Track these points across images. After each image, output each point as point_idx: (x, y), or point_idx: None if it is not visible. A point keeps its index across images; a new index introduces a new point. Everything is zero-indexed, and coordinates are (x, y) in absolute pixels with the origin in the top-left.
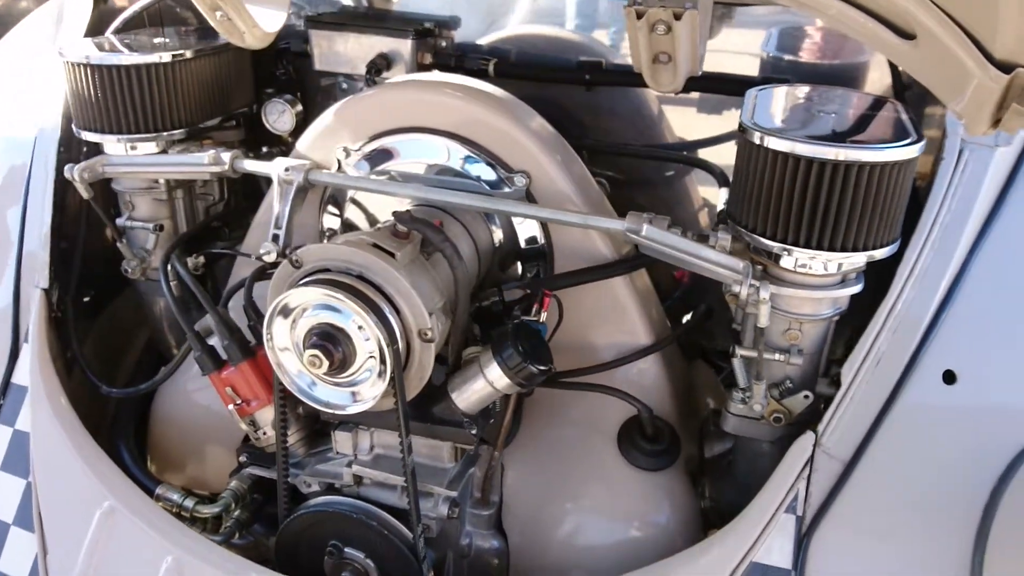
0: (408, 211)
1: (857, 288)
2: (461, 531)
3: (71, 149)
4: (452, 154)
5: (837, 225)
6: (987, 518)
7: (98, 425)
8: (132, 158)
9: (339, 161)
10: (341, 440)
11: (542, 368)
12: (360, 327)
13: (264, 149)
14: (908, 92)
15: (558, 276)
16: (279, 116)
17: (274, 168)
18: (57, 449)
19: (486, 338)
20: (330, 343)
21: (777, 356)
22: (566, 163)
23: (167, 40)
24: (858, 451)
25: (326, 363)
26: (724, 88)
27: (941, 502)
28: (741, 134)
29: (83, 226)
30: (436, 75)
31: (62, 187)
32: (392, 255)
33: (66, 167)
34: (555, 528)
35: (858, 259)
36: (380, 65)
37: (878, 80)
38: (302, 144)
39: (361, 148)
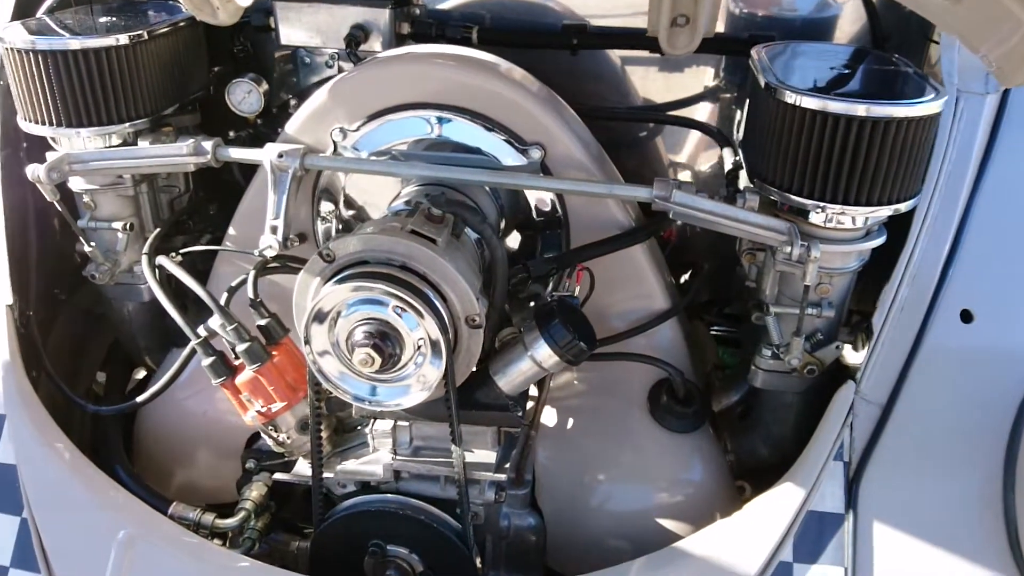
0: (442, 193)
1: (881, 240)
2: (499, 513)
3: (16, 145)
4: (460, 129)
5: (871, 180)
6: (1013, 443)
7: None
8: (104, 153)
9: (335, 143)
10: (379, 435)
11: (590, 343)
12: (408, 320)
13: (232, 134)
14: (887, 43)
15: (586, 248)
16: (245, 97)
17: (266, 154)
18: (55, 480)
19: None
20: (380, 339)
21: (810, 310)
22: (578, 132)
23: (113, 19)
24: (892, 395)
25: (378, 361)
26: (722, 48)
27: (971, 433)
28: (768, 93)
29: (34, 232)
30: (433, 47)
31: (11, 189)
32: (433, 241)
33: (28, 168)
34: (590, 499)
35: (885, 212)
36: (358, 37)
37: (849, 31)
38: (292, 127)
39: (359, 128)
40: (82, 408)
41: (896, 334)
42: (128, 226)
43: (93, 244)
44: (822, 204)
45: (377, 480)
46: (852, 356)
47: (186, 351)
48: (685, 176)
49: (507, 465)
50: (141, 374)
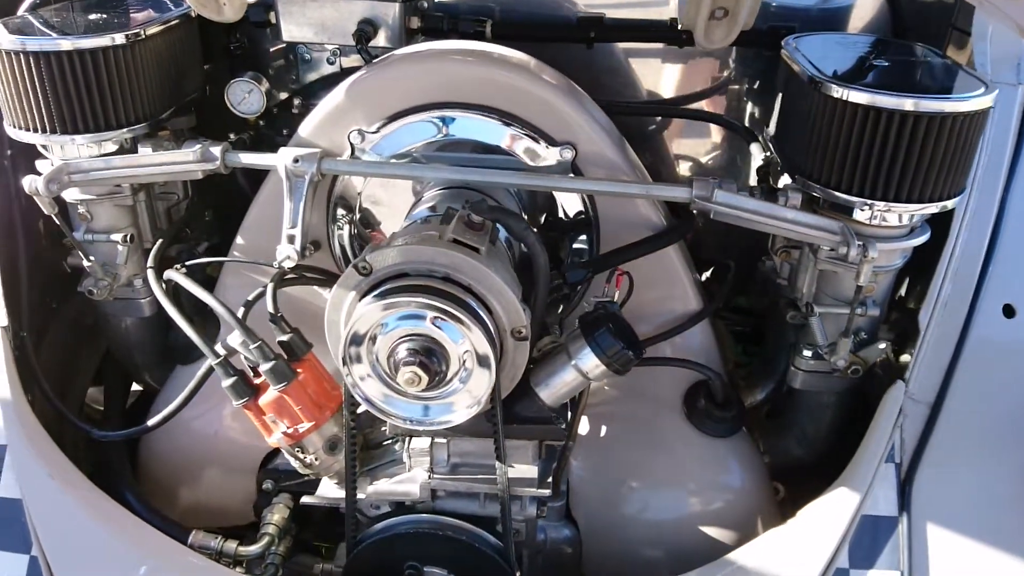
0: (483, 199)
1: (925, 237)
2: (536, 526)
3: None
4: (487, 129)
5: (921, 177)
6: None
7: None
8: (106, 162)
9: (353, 146)
10: (416, 454)
11: (637, 351)
12: (454, 334)
13: (233, 137)
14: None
15: (623, 250)
16: (245, 97)
17: (280, 159)
18: (67, 513)
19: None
20: (425, 356)
21: (859, 310)
22: (607, 130)
23: (101, 16)
24: (940, 393)
25: (425, 379)
26: (748, 40)
27: (1019, 428)
28: (812, 87)
29: (22, 243)
30: (452, 43)
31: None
32: (476, 250)
33: (25, 180)
34: (626, 508)
35: (932, 209)
36: (368, 33)
37: (867, 20)
38: (306, 129)
39: (379, 130)
40: (87, 434)
41: (941, 331)
42: (128, 237)
43: (92, 258)
44: (870, 201)
45: (412, 500)
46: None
47: (202, 370)
48: (686, 170)
49: (549, 479)
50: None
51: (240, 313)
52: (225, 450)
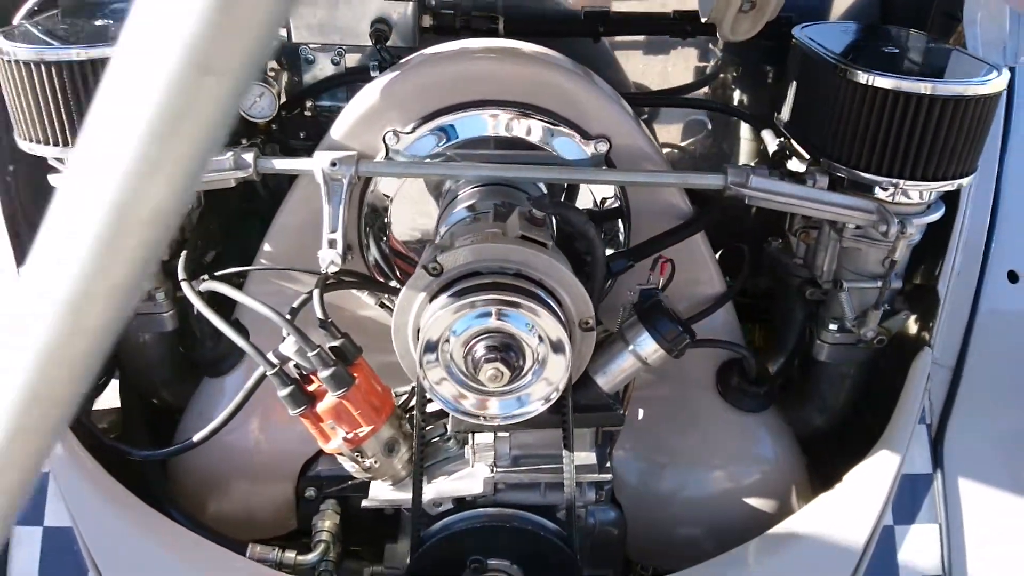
0: (544, 195)
1: (941, 212)
2: (586, 510)
3: (2, 168)
4: (522, 126)
5: (942, 156)
6: None
7: None
8: None
9: (388, 147)
10: (481, 449)
11: (692, 334)
12: (530, 328)
13: (244, 142)
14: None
15: (659, 239)
16: (256, 101)
17: (317, 163)
18: (124, 537)
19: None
20: (505, 352)
21: (880, 283)
22: (636, 121)
23: (109, 24)
24: (960, 357)
25: (507, 375)
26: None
27: None
28: (837, 74)
29: None
30: (482, 40)
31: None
32: (544, 245)
33: None
34: (667, 486)
35: (949, 187)
36: (384, 33)
37: (855, 6)
38: (338, 131)
39: (414, 130)
40: (128, 455)
41: (956, 300)
42: None
43: None
44: (895, 180)
45: (475, 495)
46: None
47: (251, 381)
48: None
49: (608, 464)
50: None
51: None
52: (261, 461)
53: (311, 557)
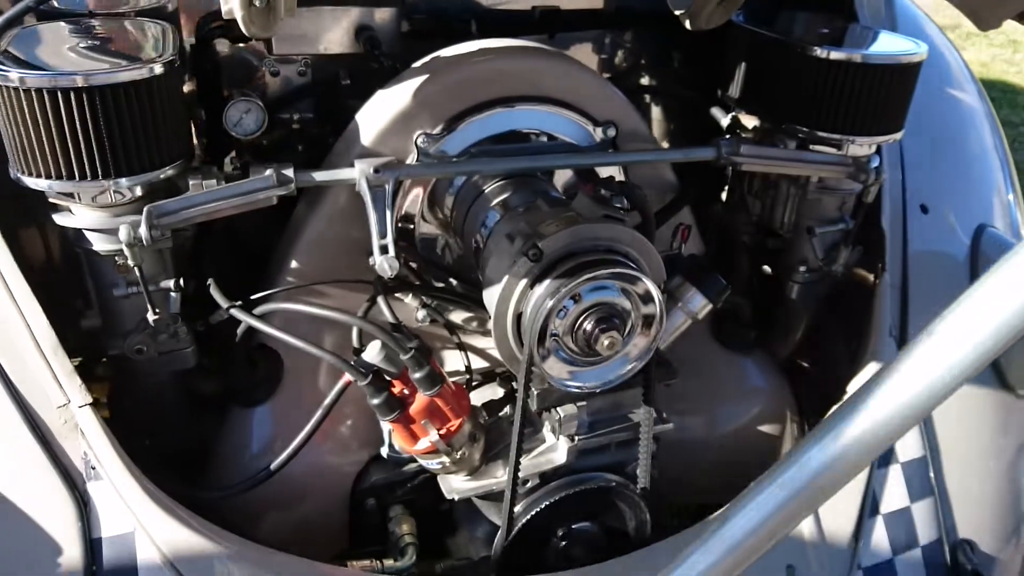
0: (610, 176)
1: (877, 161)
2: None
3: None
4: (544, 118)
5: (883, 115)
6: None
7: None
8: (188, 199)
9: (419, 150)
10: (567, 420)
11: (727, 285)
12: (630, 297)
13: (231, 156)
14: None
15: (669, 208)
16: (242, 116)
17: (360, 172)
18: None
19: None
20: (614, 320)
21: (841, 226)
22: (632, 106)
23: (94, 43)
24: (903, 276)
25: (620, 341)
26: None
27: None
28: (797, 51)
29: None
30: (492, 41)
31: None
32: (623, 221)
33: (121, 231)
34: (689, 427)
35: (891, 139)
36: (376, 40)
37: None
38: (369, 138)
39: (444, 131)
40: (205, 495)
41: (893, 234)
42: (179, 283)
43: (159, 311)
44: (850, 137)
45: (554, 467)
46: None
47: (335, 392)
48: None
49: (665, 415)
50: None
51: (355, 330)
52: (313, 483)
53: (406, 561)
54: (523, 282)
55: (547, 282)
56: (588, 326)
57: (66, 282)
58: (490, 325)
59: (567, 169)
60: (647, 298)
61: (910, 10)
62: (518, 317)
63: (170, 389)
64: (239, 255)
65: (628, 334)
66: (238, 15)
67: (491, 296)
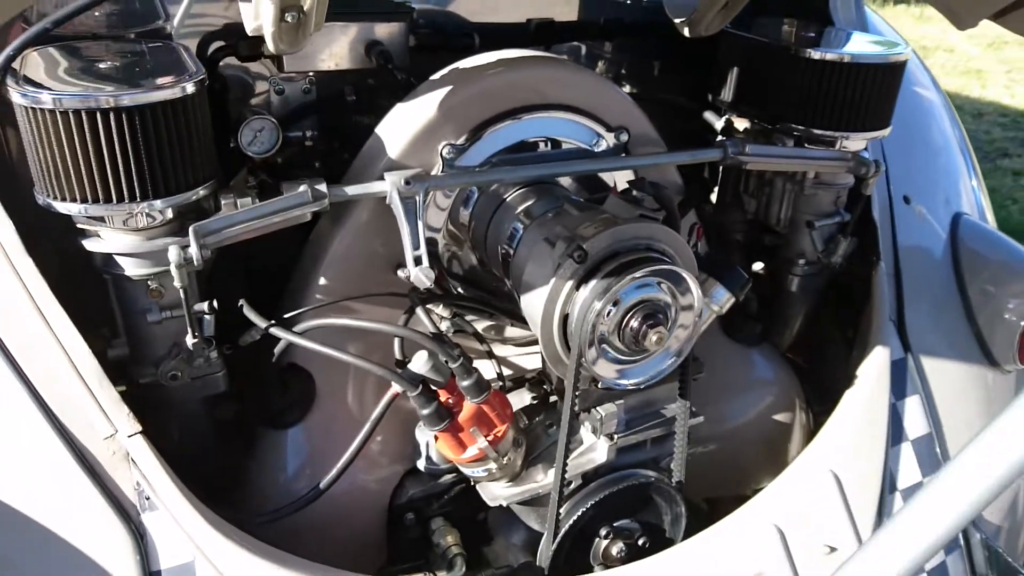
0: (642, 178)
1: (868, 154)
2: None
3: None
4: (562, 126)
5: (875, 112)
6: (957, 264)
7: None
8: (230, 219)
9: (444, 160)
10: (608, 419)
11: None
12: (673, 293)
13: (251, 179)
14: None
15: (682, 205)
16: (256, 135)
17: (391, 184)
18: None
19: None
20: (659, 316)
21: (837, 219)
22: (640, 111)
23: (114, 64)
24: (895, 262)
25: (667, 335)
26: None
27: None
28: (793, 54)
29: None
30: (509, 52)
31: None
32: (656, 220)
33: (171, 252)
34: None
35: (879, 135)
36: (388, 54)
37: None
38: (396, 150)
39: (467, 142)
40: (252, 521)
41: (882, 223)
42: (213, 305)
43: (198, 335)
44: (845, 134)
45: (595, 466)
46: None
47: (382, 405)
48: None
49: (694, 410)
50: None
51: (396, 342)
52: (350, 502)
53: (456, 572)
54: (569, 284)
55: (593, 283)
56: (635, 323)
57: (89, 310)
58: (531, 331)
59: (589, 174)
60: (685, 291)
61: (862, 9)
62: (564, 319)
63: (200, 415)
64: (248, 275)
65: (670, 328)
66: (267, 31)
67: (533, 300)
